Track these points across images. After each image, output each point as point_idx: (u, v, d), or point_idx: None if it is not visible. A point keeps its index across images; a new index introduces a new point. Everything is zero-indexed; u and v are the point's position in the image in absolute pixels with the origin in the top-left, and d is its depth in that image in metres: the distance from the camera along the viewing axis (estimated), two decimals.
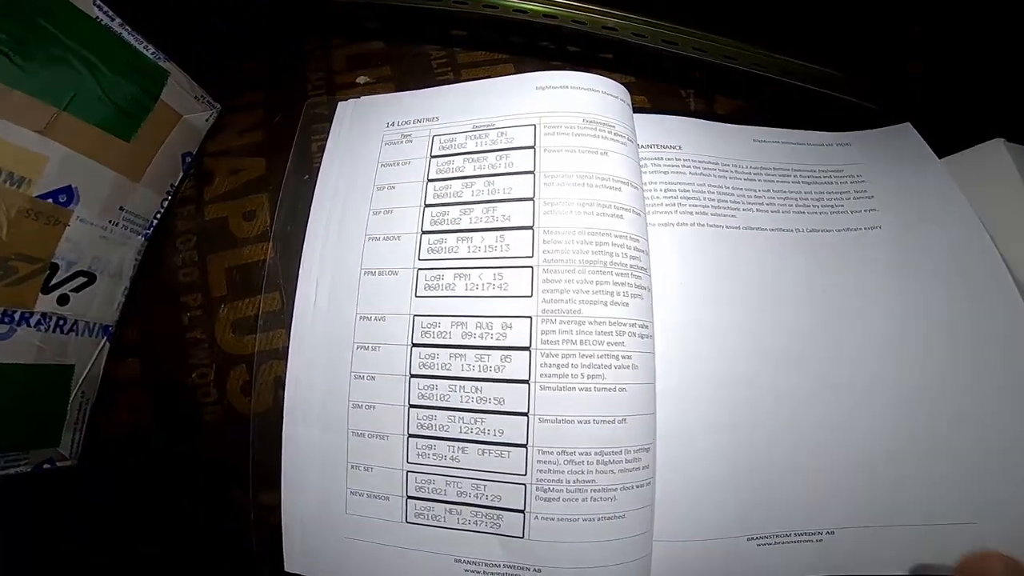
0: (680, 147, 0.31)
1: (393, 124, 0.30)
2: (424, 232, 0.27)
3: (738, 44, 0.33)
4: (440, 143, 0.29)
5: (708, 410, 0.26)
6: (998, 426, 0.25)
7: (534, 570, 0.23)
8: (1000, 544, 0.21)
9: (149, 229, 0.30)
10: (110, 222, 0.28)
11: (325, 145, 0.31)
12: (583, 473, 0.23)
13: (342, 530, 0.25)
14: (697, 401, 0.26)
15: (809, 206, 0.30)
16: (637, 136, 0.29)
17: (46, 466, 0.27)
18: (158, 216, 0.31)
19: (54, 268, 0.26)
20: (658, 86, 0.34)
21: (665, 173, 0.30)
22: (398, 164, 0.29)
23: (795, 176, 0.31)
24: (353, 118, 0.31)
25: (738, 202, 0.29)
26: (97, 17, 0.26)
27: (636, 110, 0.30)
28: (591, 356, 0.24)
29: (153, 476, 0.28)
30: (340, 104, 0.32)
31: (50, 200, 0.25)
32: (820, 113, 0.34)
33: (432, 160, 0.28)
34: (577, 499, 0.23)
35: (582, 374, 0.24)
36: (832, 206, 0.30)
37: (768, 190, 0.30)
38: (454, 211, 0.27)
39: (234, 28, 0.35)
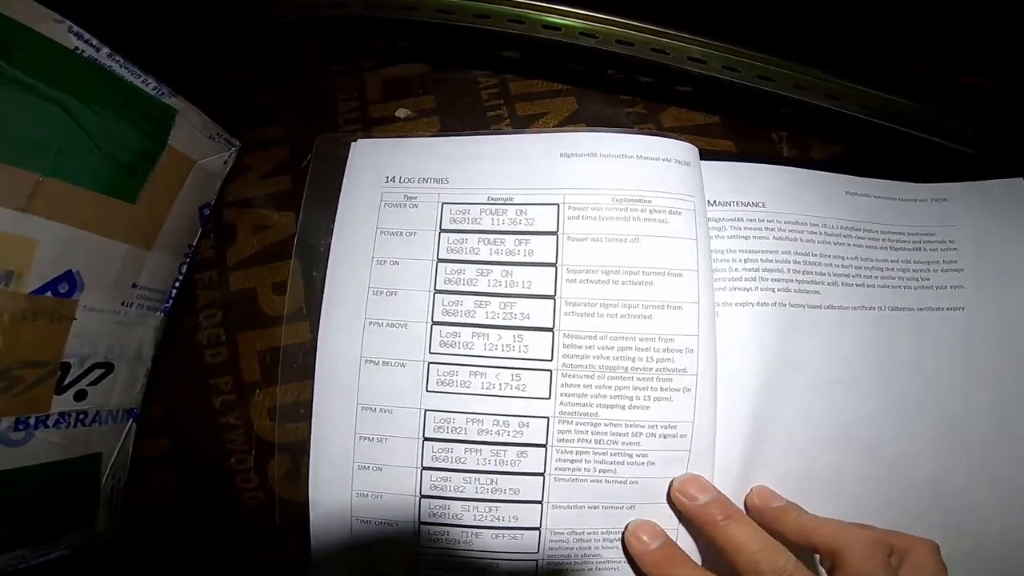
0: (763, 204, 0.27)
1: (393, 180, 0.27)
2: (435, 323, 0.25)
3: (842, 81, 0.27)
4: (451, 214, 0.26)
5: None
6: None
7: None
8: None
9: (168, 302, 0.26)
10: (123, 304, 0.24)
11: (338, 199, 0.26)
12: (591, 549, 0.25)
13: None
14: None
15: (893, 279, 0.27)
16: (708, 193, 0.26)
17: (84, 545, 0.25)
18: (177, 284, 0.27)
19: (65, 367, 0.22)
20: (746, 129, 0.29)
21: (746, 239, 0.26)
22: (402, 234, 0.26)
23: (883, 240, 0.27)
24: (353, 166, 0.27)
25: (823, 273, 0.26)
26: (77, 48, 0.21)
27: (721, 157, 0.26)
28: (604, 454, 0.24)
29: (186, 554, 0.27)
30: (353, 145, 0.27)
31: (48, 294, 0.21)
32: (931, 163, 0.29)
33: (442, 235, 0.26)
34: (583, 570, 0.25)
35: (594, 468, 0.24)
36: (917, 279, 0.27)
37: (856, 257, 0.27)
38: (468, 302, 0.25)
39: (243, 49, 0.29)
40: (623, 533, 0.24)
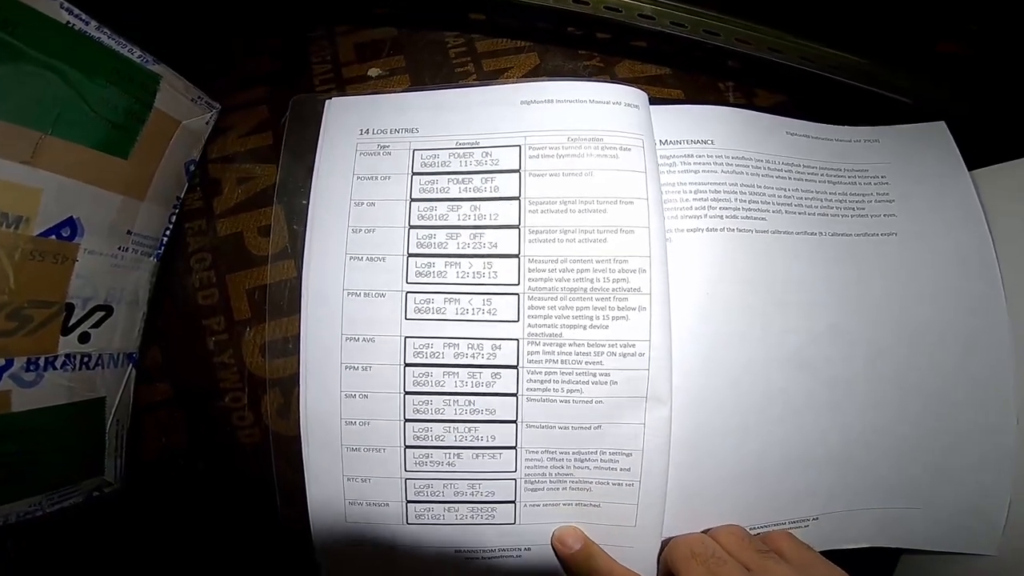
0: (711, 141, 0.29)
1: (367, 132, 0.28)
2: (411, 255, 0.27)
3: (784, 35, 0.30)
4: (422, 159, 0.28)
5: (724, 416, 0.27)
6: (949, 432, 0.28)
7: (524, 549, 0.27)
8: (937, 525, 0.28)
9: (160, 248, 0.28)
10: (120, 248, 0.26)
11: (316, 151, 0.28)
12: (563, 468, 0.27)
13: (344, 536, 0.27)
14: (715, 409, 0.27)
15: (832, 208, 0.29)
16: (660, 133, 0.28)
17: (96, 494, 0.27)
18: (167, 233, 0.29)
19: (70, 308, 0.24)
20: (696, 79, 0.31)
21: (696, 172, 0.29)
22: (377, 178, 0.28)
23: (822, 175, 0.30)
24: (328, 122, 0.29)
25: (768, 203, 0.29)
26: (68, 23, 0.23)
27: (672, 103, 0.28)
28: (570, 374, 0.26)
29: (192, 496, 0.29)
30: (328, 103, 0.29)
31: (53, 237, 0.23)
32: (864, 108, 0.32)
33: (414, 177, 0.28)
34: (558, 488, 0.27)
35: (562, 388, 0.26)
36: (854, 209, 0.29)
37: (797, 189, 0.29)
38: (440, 235, 0.27)
39: (221, 16, 0.31)
40: (551, 539, 0.26)
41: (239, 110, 0.30)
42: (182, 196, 0.29)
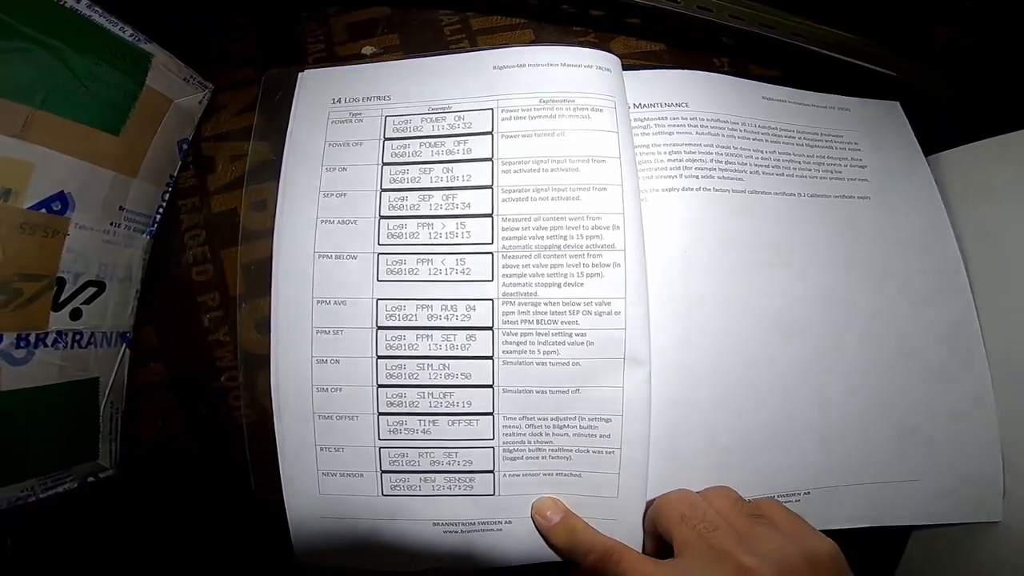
0: (686, 104, 0.29)
1: (339, 101, 0.28)
2: (383, 217, 0.27)
3: (777, 12, 0.30)
4: (394, 125, 0.28)
5: (707, 382, 0.27)
6: (938, 400, 0.28)
7: (504, 522, 0.26)
8: (936, 496, 0.27)
9: (153, 225, 0.28)
10: (111, 224, 0.26)
11: (288, 121, 0.28)
12: (542, 435, 0.26)
13: (319, 510, 0.26)
14: (697, 373, 0.27)
15: (811, 170, 0.30)
16: (634, 96, 0.29)
17: (90, 479, 0.26)
18: (160, 210, 0.28)
19: (61, 283, 0.24)
20: (690, 55, 0.32)
21: (670, 134, 0.29)
22: (348, 144, 0.28)
23: (799, 138, 0.30)
24: (301, 94, 0.29)
25: (744, 164, 0.29)
26: (62, 1, 0.23)
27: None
28: (546, 334, 0.26)
29: (190, 481, 0.28)
30: (300, 75, 0.29)
31: (43, 210, 0.23)
32: (854, 81, 0.32)
33: (386, 143, 0.28)
34: (537, 457, 0.26)
35: (538, 350, 0.26)
36: (831, 171, 0.30)
37: (775, 152, 0.29)
38: (412, 197, 0.27)
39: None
40: (531, 511, 0.26)
41: (232, 89, 0.30)
42: (175, 174, 0.29)
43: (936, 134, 0.31)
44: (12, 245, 0.22)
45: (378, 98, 0.28)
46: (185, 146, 0.29)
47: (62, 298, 0.24)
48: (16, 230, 0.22)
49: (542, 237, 0.26)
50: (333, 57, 0.31)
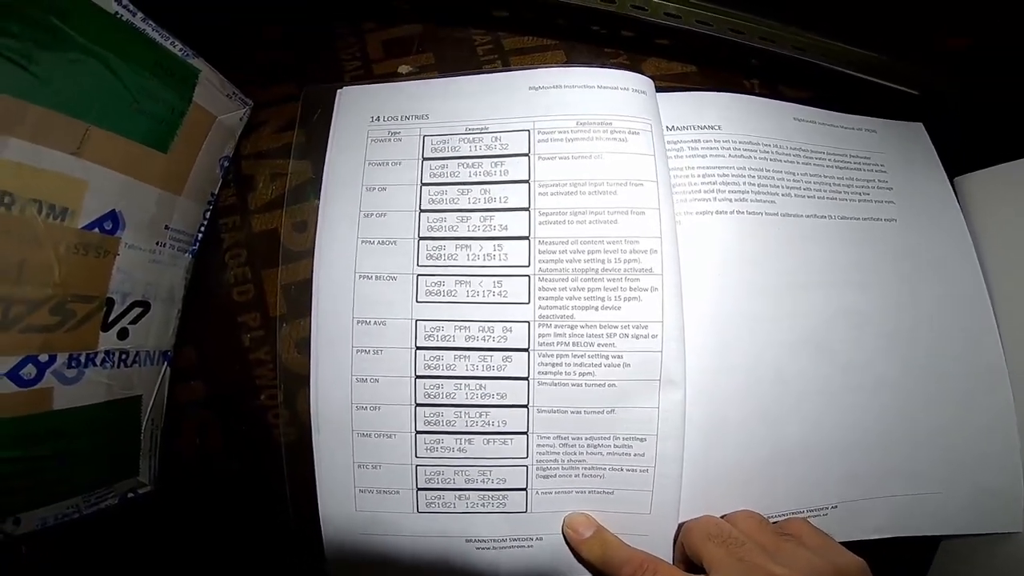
0: (719, 126, 0.30)
1: (378, 119, 0.29)
2: (422, 238, 0.27)
3: (807, 34, 0.31)
4: (432, 144, 0.28)
5: (739, 401, 0.27)
6: (961, 415, 0.29)
7: (536, 538, 0.27)
8: (958, 509, 0.28)
9: (195, 245, 0.28)
10: (157, 243, 0.26)
11: (328, 139, 0.28)
12: (575, 454, 0.26)
13: (354, 526, 0.26)
14: (729, 392, 0.27)
15: (840, 192, 0.30)
16: (667, 119, 0.29)
17: (130, 495, 0.26)
18: (202, 229, 0.28)
19: (110, 303, 0.24)
20: (720, 75, 0.33)
21: (704, 157, 0.29)
22: (388, 164, 0.28)
23: (829, 160, 0.31)
24: (340, 110, 0.29)
25: (777, 186, 0.29)
26: (117, 13, 0.23)
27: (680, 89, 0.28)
28: (582, 356, 0.26)
29: (227, 497, 0.28)
30: (339, 92, 0.29)
31: (96, 230, 0.23)
32: (879, 101, 0.33)
33: (425, 163, 0.28)
34: (570, 475, 0.26)
35: (574, 371, 0.26)
36: (860, 194, 0.30)
37: (806, 174, 0.30)
38: (451, 218, 0.27)
39: (249, 12, 0.31)
40: (562, 526, 0.26)
41: (270, 106, 0.30)
42: (216, 192, 0.29)
43: (960, 156, 0.32)
44: (67, 266, 0.22)
45: (416, 117, 0.29)
46: (226, 163, 0.29)
47: (111, 318, 0.24)
48: (71, 251, 0.22)
49: (579, 260, 0.26)
50: (370, 75, 0.31)
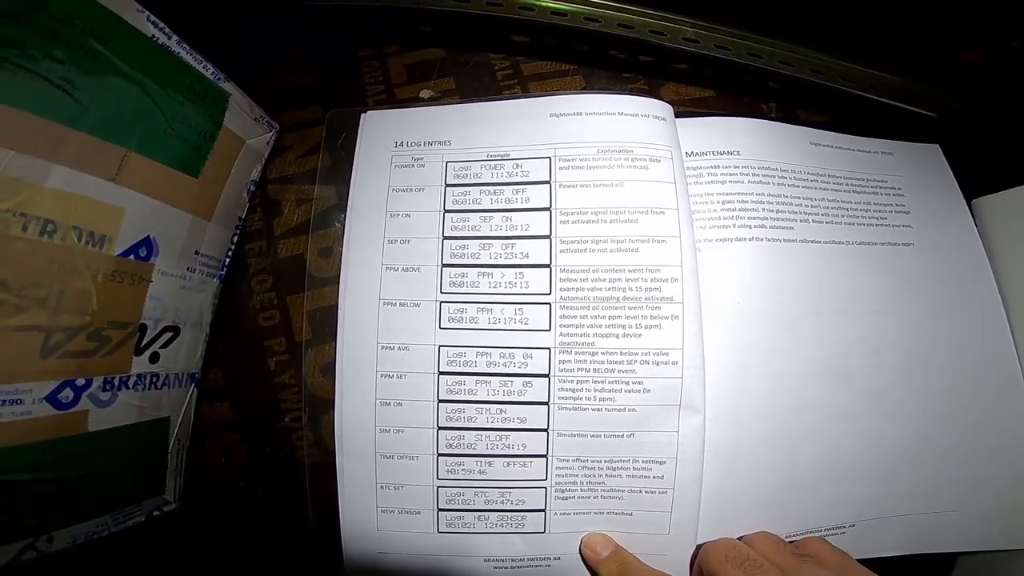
0: (738, 152, 0.30)
1: (402, 144, 0.29)
2: (445, 265, 0.27)
3: (825, 57, 0.31)
4: (454, 171, 0.29)
5: (758, 426, 0.27)
6: (979, 436, 0.29)
7: (554, 558, 0.27)
8: (975, 526, 0.28)
9: (223, 270, 0.29)
10: (188, 269, 0.26)
11: (353, 164, 0.29)
12: (594, 476, 0.27)
13: (375, 546, 0.27)
14: (749, 418, 0.27)
15: (858, 217, 0.30)
16: (686, 145, 0.29)
17: (156, 513, 0.27)
18: (230, 254, 0.29)
19: (143, 329, 0.24)
20: (738, 100, 0.33)
21: (723, 183, 0.29)
22: (411, 190, 0.28)
23: (847, 184, 0.31)
24: (364, 135, 0.30)
25: (795, 212, 0.29)
26: (154, 36, 0.23)
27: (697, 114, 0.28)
28: (602, 382, 0.26)
29: (251, 517, 0.29)
30: (363, 116, 0.30)
31: (131, 257, 0.23)
32: (895, 123, 0.33)
33: (447, 189, 0.28)
34: (589, 497, 0.27)
35: (594, 397, 0.26)
36: (877, 218, 0.31)
37: (823, 199, 0.30)
38: (473, 245, 0.28)
39: (272, 35, 0.31)
40: (580, 546, 0.27)
41: (296, 130, 0.31)
42: (243, 217, 0.30)
43: (977, 177, 0.32)
44: (104, 294, 0.22)
45: (439, 143, 0.29)
46: (253, 188, 0.30)
47: (143, 343, 0.25)
48: (108, 278, 0.22)
49: (600, 288, 0.27)
50: (392, 99, 0.32)
